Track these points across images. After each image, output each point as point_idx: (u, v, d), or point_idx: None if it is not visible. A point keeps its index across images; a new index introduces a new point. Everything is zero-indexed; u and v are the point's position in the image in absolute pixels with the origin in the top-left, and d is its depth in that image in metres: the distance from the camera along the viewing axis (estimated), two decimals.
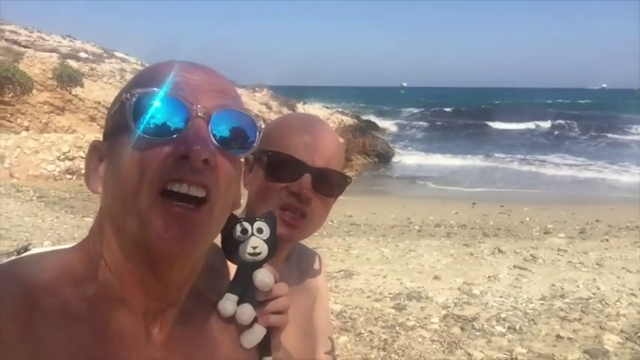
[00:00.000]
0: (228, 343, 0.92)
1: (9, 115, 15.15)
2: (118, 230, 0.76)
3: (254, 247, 0.95)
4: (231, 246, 0.96)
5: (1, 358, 0.65)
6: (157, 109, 0.74)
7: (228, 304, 0.94)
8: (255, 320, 0.95)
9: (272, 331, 0.97)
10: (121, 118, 0.76)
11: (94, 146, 0.82)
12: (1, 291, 0.70)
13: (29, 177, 13.16)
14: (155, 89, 0.75)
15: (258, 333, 0.95)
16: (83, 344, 0.72)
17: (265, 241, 0.97)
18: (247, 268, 0.97)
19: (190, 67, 0.80)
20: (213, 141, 0.75)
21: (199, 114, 0.75)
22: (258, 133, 0.82)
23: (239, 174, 0.83)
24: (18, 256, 0.82)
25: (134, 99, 0.75)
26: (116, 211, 0.76)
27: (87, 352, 0.72)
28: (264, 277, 0.95)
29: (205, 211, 0.75)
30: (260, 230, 0.97)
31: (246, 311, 0.94)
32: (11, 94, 14.98)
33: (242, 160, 0.86)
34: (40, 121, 15.42)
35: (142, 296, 0.78)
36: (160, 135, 0.73)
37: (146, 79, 0.79)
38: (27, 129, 15.00)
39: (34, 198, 10.89)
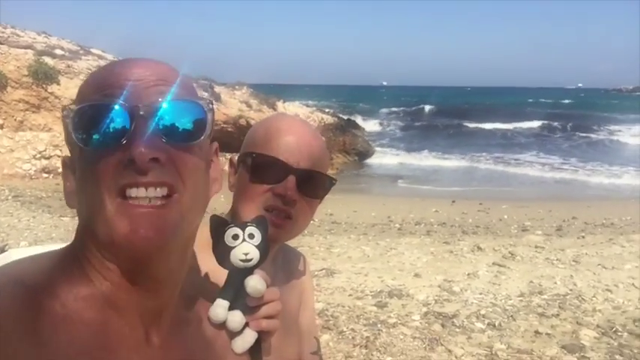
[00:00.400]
0: (220, 347, 0.93)
1: None
2: (93, 238, 0.76)
3: (245, 254, 0.95)
4: (222, 251, 0.95)
5: (5, 358, 0.66)
6: (97, 118, 0.73)
7: (219, 310, 0.94)
8: (246, 325, 0.95)
9: (263, 336, 0.98)
10: (68, 135, 0.76)
11: (64, 162, 0.83)
12: (4, 293, 0.70)
13: (4, 176, 12.90)
14: (91, 98, 0.75)
15: (248, 338, 0.95)
16: (84, 346, 0.73)
17: (257, 247, 0.96)
18: (238, 274, 0.96)
19: (131, 65, 0.78)
20: (162, 138, 0.74)
21: (141, 112, 0.73)
22: (208, 117, 0.80)
23: (204, 159, 0.82)
24: (16, 259, 0.82)
25: (72, 115, 0.74)
26: (88, 221, 0.76)
27: (89, 354, 0.73)
28: (256, 283, 0.95)
29: (173, 203, 0.74)
30: (251, 236, 0.97)
31: (237, 318, 0.94)
32: None
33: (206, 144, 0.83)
34: (15, 119, 15.10)
35: (135, 297, 0.79)
36: (106, 144, 0.73)
37: (86, 89, 0.79)
38: (1, 127, 14.69)
39: (10, 197, 10.68)
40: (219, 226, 0.95)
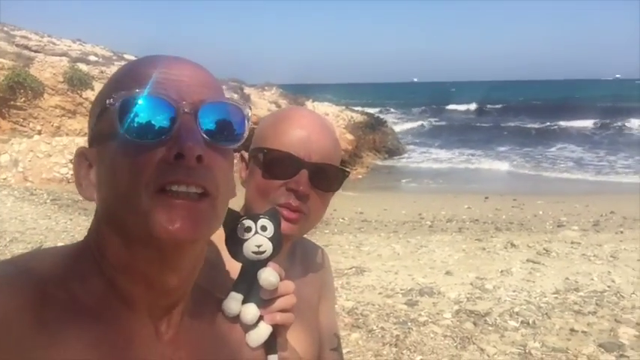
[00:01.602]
0: (235, 341, 0.93)
1: (22, 120, 15.31)
2: (119, 231, 0.75)
3: (258, 246, 0.94)
4: (235, 244, 0.95)
5: (14, 349, 0.66)
6: (143, 110, 0.73)
7: (232, 303, 0.93)
8: (260, 319, 0.95)
9: (277, 329, 0.97)
10: (107, 124, 0.75)
11: (81, 153, 0.81)
12: (13, 283, 0.70)
13: (43, 180, 13.28)
14: (138, 90, 0.74)
15: (263, 332, 0.94)
16: (93, 339, 0.73)
17: (270, 239, 0.96)
18: (252, 267, 0.96)
19: (171, 63, 0.79)
20: (204, 136, 0.74)
21: (186, 110, 0.74)
22: (247, 122, 0.81)
23: (231, 164, 0.82)
24: (27, 252, 0.83)
25: (118, 103, 0.73)
26: (115, 214, 0.75)
27: (97, 348, 0.73)
28: (269, 276, 0.94)
29: (208, 202, 0.74)
30: (264, 228, 0.96)
31: (251, 311, 0.93)
32: (23, 98, 15.12)
33: (235, 151, 0.85)
34: (52, 125, 15.55)
35: (148, 292, 0.79)
36: (149, 137, 0.73)
37: (127, 79, 0.78)
38: (39, 133, 15.14)
39: (48, 201, 10.99)
40: (231, 219, 0.95)
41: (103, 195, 0.77)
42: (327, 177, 1.19)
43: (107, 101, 0.75)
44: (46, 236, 7.58)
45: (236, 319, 0.93)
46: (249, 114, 0.82)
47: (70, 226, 8.48)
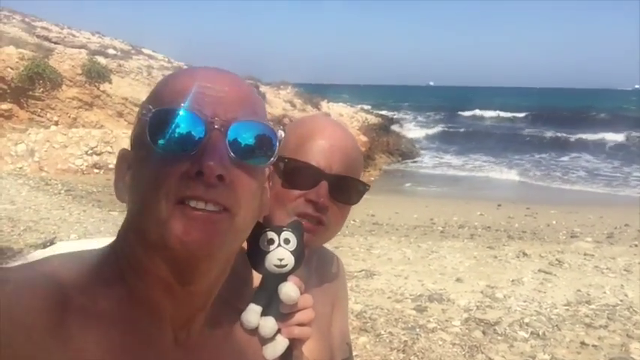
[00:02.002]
0: (252, 352, 0.93)
1: (39, 110, 15.47)
2: (142, 237, 0.76)
3: (280, 259, 0.94)
4: (257, 256, 0.94)
5: (33, 352, 0.66)
6: (174, 124, 0.74)
7: (251, 315, 0.93)
8: (278, 332, 0.94)
9: (294, 343, 0.96)
10: (140, 133, 0.77)
11: (122, 156, 0.84)
12: (34, 287, 0.70)
13: (58, 171, 13.42)
14: (172, 103, 0.75)
15: (280, 345, 0.94)
16: (112, 345, 0.73)
17: (292, 252, 0.95)
18: (272, 279, 0.95)
19: (210, 77, 0.79)
20: (231, 154, 0.75)
21: (216, 126, 0.74)
22: (277, 143, 0.81)
23: (261, 184, 0.82)
24: (50, 255, 0.83)
25: (150, 115, 0.75)
26: (138, 219, 0.77)
27: (115, 353, 0.73)
28: (289, 290, 0.94)
29: (226, 217, 0.75)
30: (287, 241, 0.95)
31: (269, 324, 0.93)
32: (41, 89, 15.29)
33: (266, 169, 0.85)
34: (69, 116, 15.71)
35: (168, 301, 0.79)
36: (176, 151, 0.74)
37: (164, 92, 0.80)
38: (56, 124, 15.29)
39: (62, 191, 11.10)
40: (254, 230, 0.94)
41: (131, 199, 0.79)
42: (347, 189, 1.18)
43: (142, 111, 0.78)
44: (59, 227, 7.65)
45: (254, 331, 0.93)
46: (281, 135, 0.82)
47: (83, 217, 8.55)
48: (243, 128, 0.77)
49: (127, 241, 0.79)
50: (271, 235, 0.95)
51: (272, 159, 0.81)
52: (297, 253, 0.96)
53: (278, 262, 0.94)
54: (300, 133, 1.20)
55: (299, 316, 0.96)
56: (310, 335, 0.98)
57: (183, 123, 0.74)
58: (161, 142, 0.74)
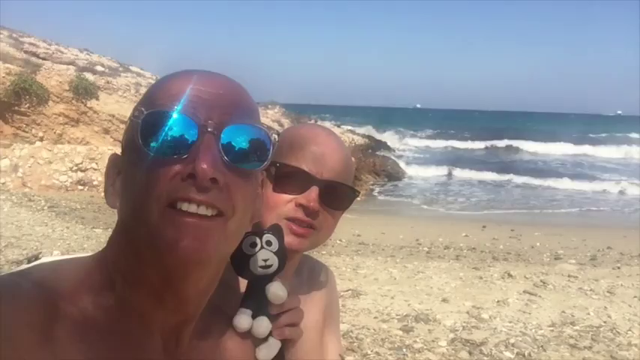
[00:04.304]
0: (243, 358, 0.92)
1: (24, 126, 15.34)
2: (133, 243, 0.75)
3: (265, 260, 0.96)
4: (241, 260, 0.96)
5: None
6: (166, 126, 0.73)
7: (243, 318, 0.94)
8: (269, 334, 0.95)
9: (286, 344, 0.97)
10: (131, 136, 0.76)
11: (113, 160, 0.82)
12: (24, 297, 0.69)
13: (41, 187, 13.26)
14: (165, 106, 0.75)
15: (274, 346, 0.96)
16: (101, 354, 0.72)
17: (275, 253, 0.97)
18: (258, 282, 0.97)
19: (204, 79, 0.78)
20: (224, 157, 0.74)
21: (209, 130, 0.73)
22: (271, 147, 0.80)
23: (254, 188, 0.82)
24: (37, 263, 0.82)
25: (142, 117, 0.74)
26: (129, 224, 0.76)
27: None
28: (277, 290, 0.96)
29: (219, 222, 0.73)
30: (269, 243, 0.97)
31: (263, 324, 0.94)
32: (27, 104, 15.17)
33: (259, 174, 0.84)
34: (55, 132, 15.59)
35: (159, 310, 0.78)
36: (169, 153, 0.73)
37: (157, 94, 0.79)
38: (41, 139, 15.16)
39: (46, 208, 10.95)
40: None
41: (122, 204, 0.78)
42: (337, 195, 1.19)
43: (133, 114, 0.76)
44: (42, 243, 7.54)
45: (246, 334, 0.94)
46: (275, 139, 0.81)
47: (66, 234, 8.44)
48: (236, 132, 0.76)
49: (118, 247, 0.78)
50: (253, 238, 0.97)
51: (266, 163, 0.80)
52: (280, 254, 0.98)
53: (263, 264, 0.95)
54: (292, 139, 1.21)
55: (288, 317, 0.97)
56: (301, 335, 0.99)
57: (175, 126, 0.73)
58: (153, 144, 0.73)
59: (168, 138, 0.73)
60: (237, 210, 0.75)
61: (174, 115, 0.73)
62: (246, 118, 0.78)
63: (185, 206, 0.71)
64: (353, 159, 1.31)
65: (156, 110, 0.74)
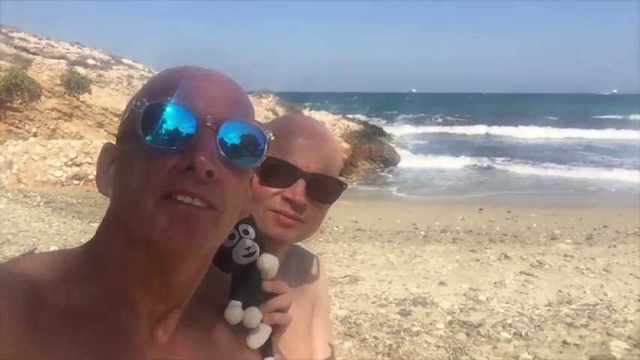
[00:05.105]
0: (231, 347, 0.93)
1: (17, 122, 15.25)
2: (125, 230, 0.76)
3: (247, 248, 0.97)
4: (222, 254, 0.95)
5: (6, 352, 0.65)
6: (166, 118, 0.75)
7: (235, 310, 0.94)
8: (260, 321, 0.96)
9: (274, 331, 0.98)
10: (131, 126, 0.77)
11: (106, 149, 0.84)
12: (8, 287, 0.70)
13: (37, 182, 13.24)
14: (165, 98, 0.76)
15: (264, 332, 0.96)
16: (88, 344, 0.72)
17: (254, 240, 0.98)
18: (242, 273, 0.97)
19: (203, 75, 0.81)
20: (221, 152, 0.76)
21: (208, 124, 0.75)
22: (266, 145, 0.82)
23: (246, 185, 0.84)
24: (24, 256, 0.83)
25: (144, 108, 0.76)
26: (122, 212, 0.77)
27: (91, 352, 0.72)
28: (270, 260, 0.98)
29: (211, 214, 0.75)
30: (246, 232, 0.98)
31: (255, 314, 0.95)
32: (20, 100, 15.09)
33: (251, 171, 0.86)
34: (48, 127, 15.52)
35: (147, 297, 0.79)
36: (167, 145, 0.74)
37: (158, 86, 0.80)
38: (35, 135, 15.10)
39: (42, 203, 10.94)
40: None
41: (115, 192, 0.79)
42: (324, 188, 1.18)
43: (134, 103, 0.78)
44: (39, 239, 7.54)
45: (238, 325, 0.95)
46: (271, 138, 0.83)
47: (63, 229, 8.44)
48: (234, 128, 0.78)
49: (109, 234, 0.79)
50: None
51: (260, 160, 0.82)
52: (260, 241, 0.99)
53: (246, 252, 0.96)
54: (279, 130, 1.20)
55: (278, 301, 0.98)
56: (290, 321, 0.99)
57: (176, 118, 0.75)
58: (152, 135, 0.74)
59: (168, 130, 0.75)
60: (227, 205, 0.77)
61: (175, 108, 0.75)
62: (242, 117, 0.81)
63: (180, 197, 0.73)
64: (348, 146, 1.30)
65: (157, 102, 0.76)
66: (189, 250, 0.75)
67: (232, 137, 0.77)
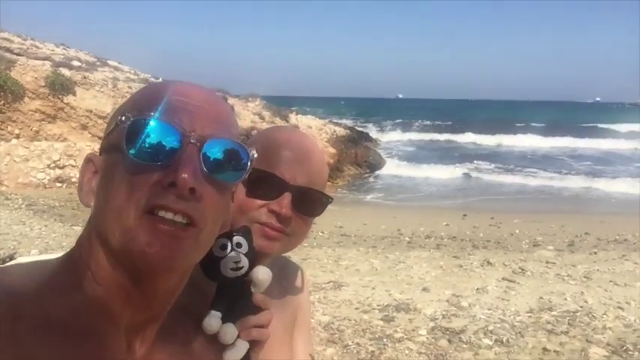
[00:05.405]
0: (208, 358, 0.93)
1: (0, 123, 15.07)
2: (105, 242, 0.77)
3: (236, 262, 0.96)
4: (211, 263, 0.96)
5: None
6: (150, 133, 0.76)
7: (213, 320, 0.94)
8: (237, 336, 0.96)
9: (253, 346, 0.98)
10: (116, 139, 0.78)
11: (89, 159, 0.84)
12: None
13: (18, 185, 13.06)
14: (149, 114, 0.77)
15: (241, 349, 0.96)
16: (66, 355, 0.72)
17: (245, 255, 0.98)
18: (228, 284, 0.97)
19: (188, 91, 0.81)
20: (204, 168, 0.76)
21: (192, 140, 0.76)
22: (249, 162, 0.83)
23: (228, 199, 0.84)
24: (3, 265, 0.83)
25: (129, 122, 0.77)
26: (104, 224, 0.77)
27: None
28: (264, 272, 0.99)
29: (191, 232, 0.76)
30: (239, 245, 0.98)
31: (230, 331, 0.95)
32: (2, 101, 14.86)
33: (233, 187, 0.87)
34: (31, 129, 15.31)
35: (126, 308, 0.79)
36: (151, 159, 0.75)
37: (143, 101, 0.81)
38: (17, 137, 14.89)
39: (23, 206, 10.81)
40: None
41: (98, 204, 0.79)
42: (310, 201, 1.19)
43: (119, 118, 0.78)
44: (20, 242, 7.45)
45: (214, 336, 0.95)
46: (254, 155, 0.84)
47: (44, 232, 8.34)
48: (217, 145, 0.79)
49: (90, 245, 0.79)
50: (224, 240, 0.97)
51: (243, 176, 0.83)
52: (250, 256, 0.99)
53: (234, 266, 0.96)
54: (266, 143, 1.20)
55: (258, 318, 0.98)
56: (269, 336, 0.99)
57: (159, 133, 0.76)
58: (136, 150, 0.75)
59: (152, 145, 0.75)
60: (208, 221, 0.78)
61: (159, 124, 0.76)
62: (226, 134, 0.81)
63: (162, 213, 0.74)
64: (334, 150, 1.30)
65: (142, 117, 0.77)
66: (167, 268, 0.76)
67: (215, 152, 0.78)
